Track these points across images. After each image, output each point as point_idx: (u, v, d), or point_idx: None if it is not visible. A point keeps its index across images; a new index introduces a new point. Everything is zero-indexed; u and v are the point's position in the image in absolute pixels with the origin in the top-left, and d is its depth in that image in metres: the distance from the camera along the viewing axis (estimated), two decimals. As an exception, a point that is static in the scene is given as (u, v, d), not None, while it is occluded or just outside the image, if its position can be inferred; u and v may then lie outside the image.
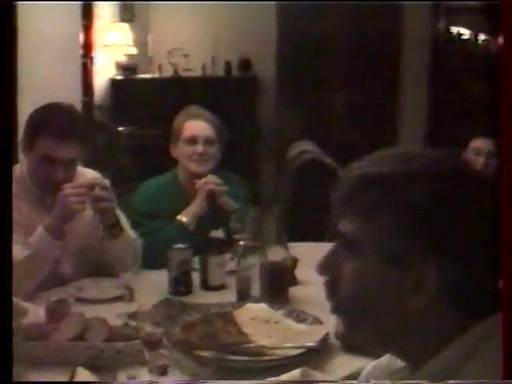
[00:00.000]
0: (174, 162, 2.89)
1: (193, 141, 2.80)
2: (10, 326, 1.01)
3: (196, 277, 2.41)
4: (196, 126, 2.82)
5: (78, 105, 3.94)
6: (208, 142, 2.81)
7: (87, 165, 2.61)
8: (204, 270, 2.40)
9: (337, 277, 0.98)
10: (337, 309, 1.01)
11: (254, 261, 2.28)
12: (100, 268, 2.46)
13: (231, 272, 2.40)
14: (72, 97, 3.67)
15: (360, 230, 0.95)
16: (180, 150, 2.83)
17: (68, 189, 2.22)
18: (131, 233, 2.49)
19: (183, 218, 2.67)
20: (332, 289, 1.00)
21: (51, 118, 2.28)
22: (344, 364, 1.75)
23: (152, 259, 2.47)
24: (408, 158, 0.95)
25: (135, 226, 2.58)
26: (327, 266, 1.01)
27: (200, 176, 2.76)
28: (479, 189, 0.94)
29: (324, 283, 1.02)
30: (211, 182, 2.72)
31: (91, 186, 2.28)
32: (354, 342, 1.10)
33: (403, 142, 6.09)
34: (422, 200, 0.91)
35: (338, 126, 6.43)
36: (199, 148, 2.78)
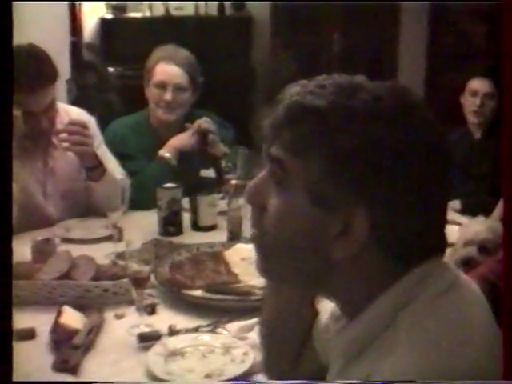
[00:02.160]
0: (146, 102, 2.81)
1: (162, 86, 2.71)
2: (10, 325, 1.02)
3: (187, 217, 2.40)
4: (167, 70, 2.71)
5: (67, 44, 3.88)
6: (178, 88, 2.71)
7: (74, 103, 2.57)
8: (194, 210, 2.38)
9: (263, 206, 0.92)
10: (256, 239, 0.95)
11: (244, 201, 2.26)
12: (87, 209, 2.44)
13: (222, 212, 2.39)
14: (60, 36, 3.60)
15: (287, 160, 0.89)
16: (150, 93, 2.76)
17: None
18: (118, 172, 2.46)
19: (165, 153, 2.64)
20: (256, 218, 0.94)
21: (21, 68, 2.22)
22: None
23: (139, 200, 2.45)
24: (349, 92, 0.87)
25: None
26: (255, 194, 0.94)
27: (167, 123, 2.72)
28: (423, 135, 0.87)
29: (250, 211, 0.96)
30: (204, 124, 2.67)
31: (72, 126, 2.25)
32: (270, 278, 1.05)
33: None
34: (357, 142, 0.85)
35: (335, 68, 6.36)
36: (167, 95, 2.69)
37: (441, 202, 0.91)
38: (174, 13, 6.00)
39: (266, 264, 0.95)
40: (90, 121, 2.46)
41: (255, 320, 1.61)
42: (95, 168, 2.32)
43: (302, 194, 0.88)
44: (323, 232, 0.88)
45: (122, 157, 2.61)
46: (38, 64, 2.20)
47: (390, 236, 0.87)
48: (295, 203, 0.89)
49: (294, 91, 0.90)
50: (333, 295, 0.96)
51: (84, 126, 2.28)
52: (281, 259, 0.93)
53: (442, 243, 0.93)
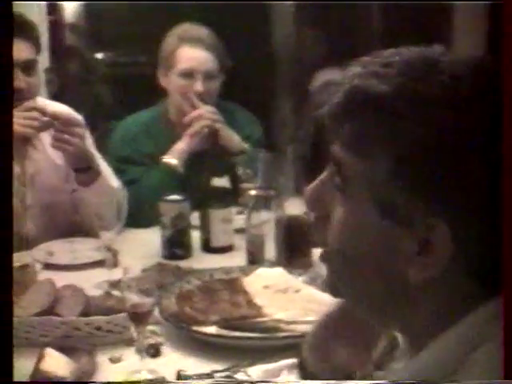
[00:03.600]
0: (164, 94, 2.84)
1: (190, 75, 2.74)
2: (10, 325, 1.09)
3: (196, 237, 2.41)
4: (193, 55, 2.75)
5: (44, 25, 3.89)
6: (209, 76, 2.75)
7: (55, 97, 2.60)
8: (205, 228, 2.39)
9: (327, 213, 0.93)
10: (325, 254, 0.96)
11: (267, 215, 2.26)
12: (74, 227, 2.45)
13: (239, 230, 2.39)
14: (34, 15, 3.61)
15: (348, 161, 0.89)
16: (173, 84, 2.78)
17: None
18: (113, 180, 2.47)
19: (170, 159, 2.65)
20: (322, 228, 0.94)
21: None
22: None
23: (138, 214, 2.45)
24: (421, 72, 0.86)
25: (115, 174, 2.56)
26: (316, 200, 0.95)
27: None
28: None
29: (313, 220, 0.97)
30: (207, 116, 2.68)
31: (52, 118, 2.28)
32: (337, 295, 1.04)
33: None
34: (433, 135, 0.83)
35: (373, 48, 6.35)
36: (198, 85, 2.73)
37: None
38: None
39: (332, 279, 0.97)
40: (77, 116, 2.48)
41: (283, 362, 1.61)
42: (87, 170, 2.34)
43: (368, 204, 0.88)
44: (398, 250, 0.87)
45: (126, 161, 2.64)
46: (24, 20, 2.34)
47: (475, 255, 0.86)
48: (362, 215, 0.89)
49: (354, 72, 0.89)
50: (405, 327, 0.95)
51: (75, 122, 2.31)
52: (349, 278, 0.94)
53: None
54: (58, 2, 4.83)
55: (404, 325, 0.95)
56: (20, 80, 2.29)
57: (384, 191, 0.86)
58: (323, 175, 0.95)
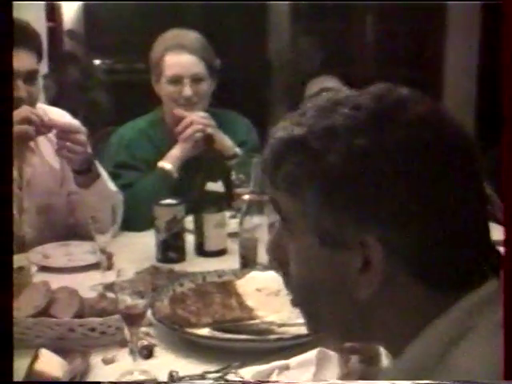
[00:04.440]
0: (159, 101, 2.85)
1: (177, 80, 2.75)
2: (10, 325, 1.11)
3: (190, 240, 2.41)
4: (179, 60, 2.75)
5: (43, 31, 3.90)
6: (196, 79, 2.76)
7: (54, 103, 2.60)
8: (199, 232, 2.39)
9: (286, 260, 1.00)
10: (293, 298, 1.04)
11: (260, 220, 2.26)
12: (69, 230, 2.45)
13: (233, 234, 2.39)
14: (33, 22, 3.61)
15: (287, 206, 0.97)
16: (163, 91, 2.80)
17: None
18: (110, 184, 2.48)
19: (165, 164, 2.66)
20: (284, 275, 1.03)
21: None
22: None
23: (133, 218, 2.46)
24: (329, 111, 0.94)
25: (111, 179, 2.56)
26: (275, 249, 1.03)
27: None
28: (417, 134, 0.91)
29: (277, 268, 1.05)
30: (199, 121, 2.69)
31: (53, 126, 2.29)
32: (318, 334, 1.11)
33: (449, 77, 6.01)
34: (344, 160, 0.90)
35: (368, 57, 6.35)
36: (186, 90, 2.74)
37: (472, 216, 0.93)
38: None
39: (312, 323, 1.04)
40: (76, 123, 2.48)
41: (274, 364, 1.61)
42: (87, 172, 2.36)
43: (308, 236, 0.95)
44: (345, 272, 0.93)
45: (123, 166, 2.65)
46: (18, 22, 2.27)
47: (416, 262, 0.91)
48: (307, 247, 0.96)
49: (278, 127, 0.98)
50: (374, 339, 1.03)
51: (77, 129, 2.32)
52: (316, 309, 1.00)
53: (494, 264, 0.94)
54: (57, 9, 4.83)
55: (373, 338, 1.02)
56: (21, 90, 2.29)
57: (317, 220, 0.93)
58: (278, 225, 1.03)
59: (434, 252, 0.90)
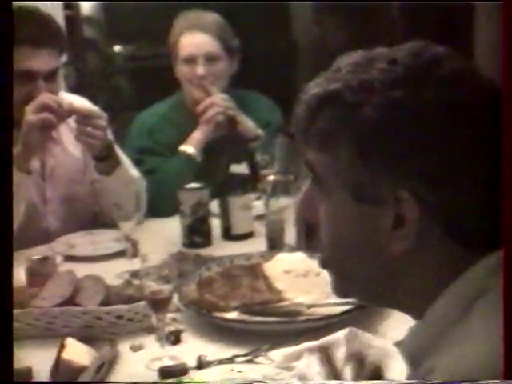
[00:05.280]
0: (180, 85, 2.85)
1: (191, 60, 2.75)
2: (11, 325, 1.07)
3: (216, 224, 2.41)
4: (192, 41, 2.75)
5: (60, 19, 3.90)
6: (210, 58, 2.75)
7: (74, 90, 2.61)
8: (225, 215, 2.38)
9: (316, 221, 1.00)
10: (322, 258, 1.04)
11: (287, 201, 2.26)
12: (94, 219, 2.46)
13: (259, 216, 2.38)
14: (50, 10, 3.62)
15: (320, 162, 0.97)
16: (180, 72, 2.80)
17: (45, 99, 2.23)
18: (132, 170, 2.48)
19: (187, 148, 2.66)
20: (315, 235, 1.02)
21: (23, 24, 2.28)
22: (400, 324, 1.72)
23: (157, 204, 2.46)
24: (365, 66, 0.95)
25: (134, 165, 2.57)
26: (305, 210, 1.03)
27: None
28: (451, 91, 0.91)
29: (305, 230, 1.04)
30: (219, 103, 2.68)
31: (73, 111, 2.29)
32: (346, 296, 1.15)
33: (479, 56, 5.94)
34: (379, 114, 0.90)
35: (396, 34, 6.31)
36: (199, 69, 2.73)
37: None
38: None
39: (337, 281, 1.04)
40: (97, 110, 2.49)
41: (304, 346, 1.60)
42: (107, 158, 2.36)
43: (341, 192, 0.96)
44: (377, 229, 0.94)
45: (145, 152, 2.65)
46: (42, 19, 2.30)
47: (448, 220, 0.92)
48: (339, 204, 0.97)
49: (311, 85, 0.98)
50: (400, 303, 1.03)
51: (97, 115, 2.32)
52: (348, 273, 1.02)
53: None
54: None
55: (399, 300, 1.01)
56: (42, 89, 2.29)
57: (351, 176, 0.94)
58: (307, 186, 1.03)
59: (465, 212, 0.91)
